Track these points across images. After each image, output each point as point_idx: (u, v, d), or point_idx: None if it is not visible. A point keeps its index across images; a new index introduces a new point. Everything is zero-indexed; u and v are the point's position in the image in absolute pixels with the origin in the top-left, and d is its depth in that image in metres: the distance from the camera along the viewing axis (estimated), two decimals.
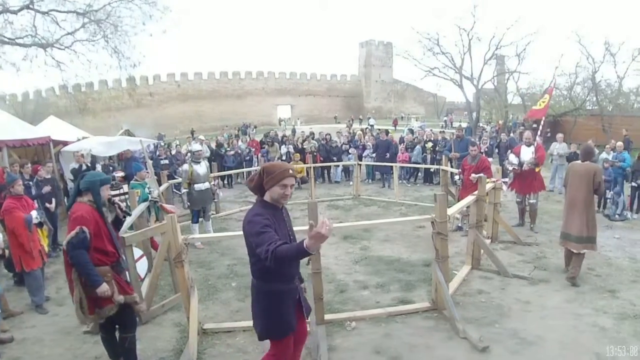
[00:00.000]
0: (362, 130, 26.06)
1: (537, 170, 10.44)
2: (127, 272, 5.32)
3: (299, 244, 2.99)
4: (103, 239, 4.52)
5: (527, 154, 10.27)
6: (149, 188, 9.35)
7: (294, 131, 28.03)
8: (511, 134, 22.44)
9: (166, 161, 15.96)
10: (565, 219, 7.55)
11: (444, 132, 21.04)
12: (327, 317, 6.02)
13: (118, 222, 4.98)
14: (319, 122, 60.44)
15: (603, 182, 7.57)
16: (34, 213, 6.82)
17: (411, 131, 24.13)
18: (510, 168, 10.45)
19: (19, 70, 21.53)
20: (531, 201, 10.42)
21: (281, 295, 3.60)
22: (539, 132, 10.98)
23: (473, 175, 9.33)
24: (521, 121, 33.07)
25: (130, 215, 5.77)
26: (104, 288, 4.37)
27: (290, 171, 3.49)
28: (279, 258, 3.01)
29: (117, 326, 4.86)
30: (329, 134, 20.29)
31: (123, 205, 5.11)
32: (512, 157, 10.58)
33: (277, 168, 3.48)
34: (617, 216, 11.64)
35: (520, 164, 10.21)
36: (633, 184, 12.02)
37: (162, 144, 21.20)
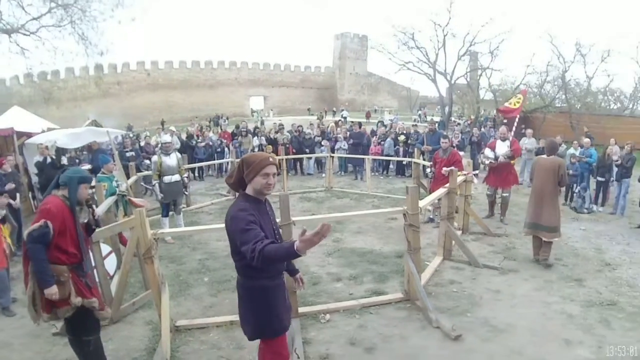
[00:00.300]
0: (335, 122, 26.06)
1: (512, 163, 10.64)
2: (94, 272, 5.12)
3: (290, 245, 2.84)
4: (67, 238, 4.27)
5: (502, 148, 10.51)
6: (116, 181, 9.04)
7: (262, 122, 27.49)
8: (482, 129, 22.67)
9: (132, 153, 15.20)
10: (534, 210, 7.84)
11: (416, 125, 21.12)
12: (301, 310, 6.03)
13: (89, 228, 4.67)
14: (292, 113, 60.10)
15: (566, 175, 7.97)
16: None
17: (382, 124, 24.16)
18: (487, 162, 10.59)
19: None
20: (504, 194, 10.60)
21: (268, 291, 3.45)
22: (513, 128, 11.17)
23: (445, 168, 9.43)
24: (492, 116, 33.50)
25: (100, 227, 5.55)
26: (52, 290, 4.12)
27: (271, 159, 3.37)
28: (266, 258, 2.91)
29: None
30: (301, 126, 20.27)
31: (97, 214, 4.84)
32: (487, 151, 10.79)
33: (257, 158, 3.36)
34: (585, 210, 11.93)
35: (496, 158, 10.39)
36: (599, 178, 12.34)
37: (131, 135, 20.81)
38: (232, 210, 3.32)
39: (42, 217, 4.11)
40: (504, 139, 10.66)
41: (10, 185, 8.95)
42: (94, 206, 4.73)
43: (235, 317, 5.51)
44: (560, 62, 32.60)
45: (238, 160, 3.71)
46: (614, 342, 5.18)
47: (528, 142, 15.88)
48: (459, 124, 29.42)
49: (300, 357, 4.87)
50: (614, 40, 52.79)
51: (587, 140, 13.91)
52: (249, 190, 3.40)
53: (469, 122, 33.01)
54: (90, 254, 4.83)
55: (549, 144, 8.30)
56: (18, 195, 9.19)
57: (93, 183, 8.67)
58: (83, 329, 4.49)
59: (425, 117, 48.66)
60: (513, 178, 10.74)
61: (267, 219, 3.48)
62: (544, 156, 8.07)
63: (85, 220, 4.54)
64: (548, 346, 5.14)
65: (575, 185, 12.47)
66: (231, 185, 3.54)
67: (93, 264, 5.19)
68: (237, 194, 3.55)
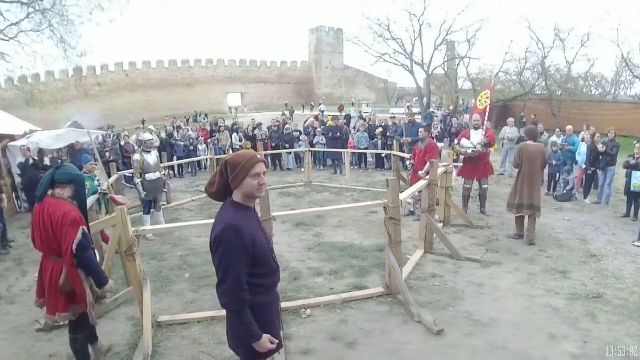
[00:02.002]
0: (315, 117, 25.92)
1: (491, 150, 10.49)
2: None
3: (256, 334, 2.85)
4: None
5: (476, 137, 10.28)
6: (98, 180, 9.15)
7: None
8: (460, 119, 22.58)
9: (107, 154, 15.30)
10: (529, 192, 8.26)
11: (394, 117, 21.00)
12: (282, 305, 5.84)
13: None
14: (270, 109, 60.31)
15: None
16: None
17: (350, 117, 24.17)
18: (470, 152, 10.22)
19: None
20: (484, 186, 10.43)
21: (265, 308, 3.04)
22: (486, 117, 11.00)
23: (421, 172, 9.28)
24: (471, 107, 33.59)
25: None
26: (110, 284, 4.58)
27: (258, 156, 2.94)
28: (239, 316, 2.83)
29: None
30: (279, 121, 20.20)
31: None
32: (465, 141, 10.42)
33: (243, 157, 2.89)
34: (564, 192, 11.93)
35: (474, 145, 10.17)
36: (588, 172, 12.03)
37: (111, 134, 20.75)
38: (223, 221, 2.86)
39: (77, 225, 4.20)
40: (477, 128, 10.46)
41: None
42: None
43: (217, 313, 5.48)
44: (540, 48, 32.79)
45: (217, 157, 3.43)
46: (600, 336, 5.10)
47: (510, 132, 15.67)
48: (437, 115, 29.38)
49: (280, 352, 4.78)
50: (594, 24, 52.80)
51: (569, 127, 13.74)
52: (236, 196, 2.94)
53: (447, 112, 33.03)
54: None
55: (532, 131, 8.81)
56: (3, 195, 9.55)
57: None
58: (75, 326, 4.59)
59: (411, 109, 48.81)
60: (490, 169, 10.53)
61: (260, 231, 3.05)
62: (530, 142, 8.44)
63: None
64: (532, 341, 5.05)
65: (558, 175, 12.38)
66: (214, 195, 3.00)
67: None
68: None
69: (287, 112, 36.42)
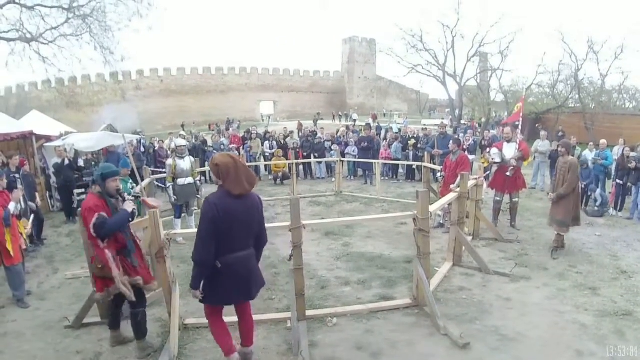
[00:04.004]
0: (346, 126, 25.86)
1: (525, 164, 10.37)
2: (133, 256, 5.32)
3: None
4: None
5: (509, 150, 10.18)
6: (131, 183, 9.31)
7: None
8: (492, 132, 22.35)
9: (128, 158, 15.37)
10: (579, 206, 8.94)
11: (426, 128, 20.90)
12: (309, 313, 5.99)
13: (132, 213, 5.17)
14: (302, 118, 60.30)
15: None
16: (11, 206, 6.76)
17: (369, 126, 24.03)
18: (512, 163, 10.08)
19: (7, 65, 21.81)
20: (514, 199, 10.29)
21: None
22: (519, 130, 10.86)
23: (452, 186, 9.21)
24: (504, 119, 33.27)
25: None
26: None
27: None
28: None
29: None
30: (315, 130, 20.22)
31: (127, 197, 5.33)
32: (495, 151, 10.34)
33: None
34: (596, 209, 11.74)
35: (504, 161, 10.10)
36: (618, 181, 11.80)
37: (141, 139, 21.01)
38: (255, 194, 4.42)
39: (93, 213, 4.75)
40: (509, 141, 10.34)
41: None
42: (124, 194, 5.29)
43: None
44: (573, 60, 32.08)
45: (249, 165, 4.01)
46: (628, 354, 5.04)
47: (542, 145, 15.48)
48: (469, 128, 29.15)
49: (305, 359, 4.92)
50: (628, 36, 51.44)
51: (603, 141, 13.46)
52: None
53: (471, 125, 32.71)
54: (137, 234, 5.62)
55: (568, 145, 9.08)
56: (37, 194, 9.90)
57: None
58: (131, 303, 5.07)
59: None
60: (521, 182, 10.36)
61: None
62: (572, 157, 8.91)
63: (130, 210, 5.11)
64: (559, 357, 5.01)
65: (589, 190, 12.21)
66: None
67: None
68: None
69: (303, 122, 36.22)
